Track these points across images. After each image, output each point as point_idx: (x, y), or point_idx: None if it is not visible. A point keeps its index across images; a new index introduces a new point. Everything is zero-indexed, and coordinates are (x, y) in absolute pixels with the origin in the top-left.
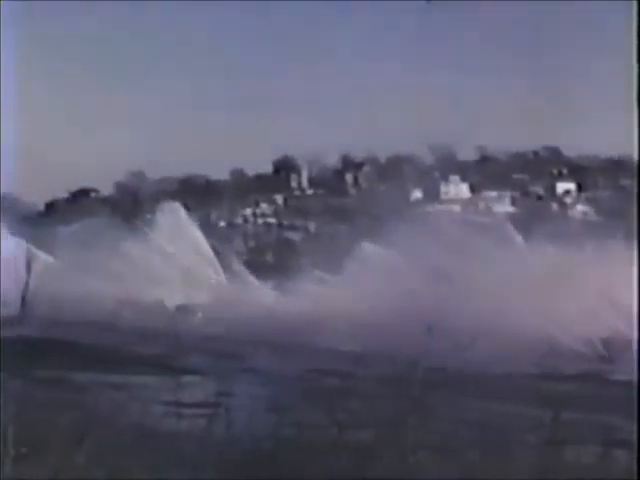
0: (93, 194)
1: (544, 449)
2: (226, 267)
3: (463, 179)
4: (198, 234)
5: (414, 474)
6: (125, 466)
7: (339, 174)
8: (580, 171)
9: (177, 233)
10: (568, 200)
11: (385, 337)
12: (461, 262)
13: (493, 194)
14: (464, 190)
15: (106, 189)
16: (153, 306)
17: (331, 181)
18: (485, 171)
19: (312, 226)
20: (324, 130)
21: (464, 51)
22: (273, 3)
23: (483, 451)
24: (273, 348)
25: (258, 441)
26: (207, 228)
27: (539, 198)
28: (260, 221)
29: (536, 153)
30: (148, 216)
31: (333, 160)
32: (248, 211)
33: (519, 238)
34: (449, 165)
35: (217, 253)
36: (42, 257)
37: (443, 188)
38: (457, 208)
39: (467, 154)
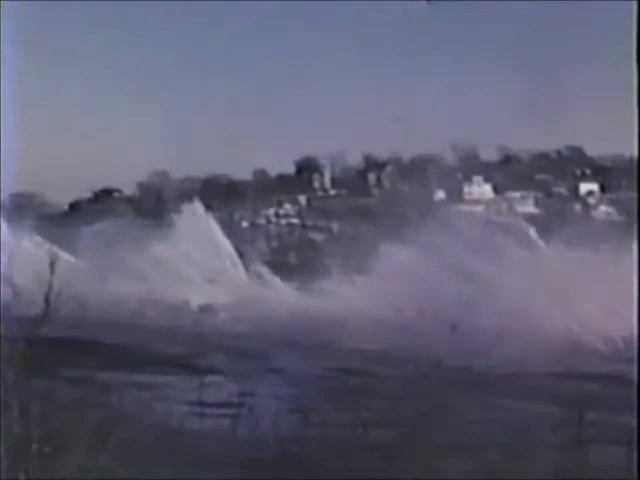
0: (116, 194)
1: (568, 450)
2: (249, 267)
3: (486, 180)
4: (221, 234)
5: (438, 474)
6: (149, 466)
7: (362, 174)
8: (603, 171)
9: (200, 233)
10: (591, 201)
11: (409, 337)
12: (484, 262)
13: (516, 195)
14: (487, 191)
15: (129, 189)
16: (176, 306)
17: (354, 181)
18: (508, 172)
19: (335, 226)
20: (346, 130)
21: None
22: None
23: (506, 451)
24: (297, 348)
25: (282, 441)
26: (230, 228)
27: (563, 199)
28: (283, 221)
29: (559, 153)
30: (171, 216)
31: (356, 160)
32: (271, 211)
33: (542, 238)
34: (472, 165)
35: (240, 253)
36: (65, 257)
37: (466, 189)
38: (480, 209)
39: (489, 154)
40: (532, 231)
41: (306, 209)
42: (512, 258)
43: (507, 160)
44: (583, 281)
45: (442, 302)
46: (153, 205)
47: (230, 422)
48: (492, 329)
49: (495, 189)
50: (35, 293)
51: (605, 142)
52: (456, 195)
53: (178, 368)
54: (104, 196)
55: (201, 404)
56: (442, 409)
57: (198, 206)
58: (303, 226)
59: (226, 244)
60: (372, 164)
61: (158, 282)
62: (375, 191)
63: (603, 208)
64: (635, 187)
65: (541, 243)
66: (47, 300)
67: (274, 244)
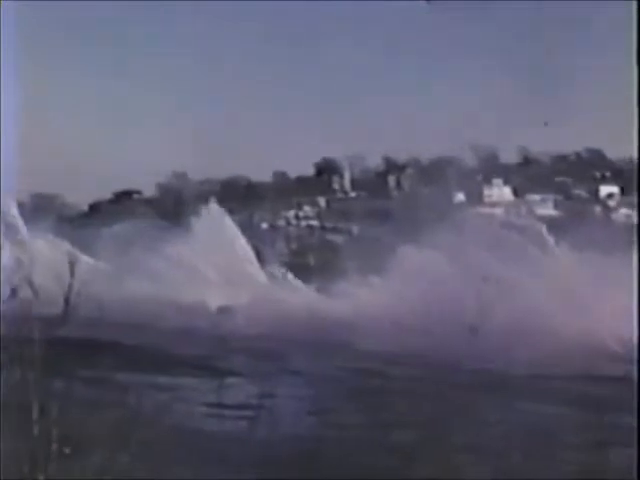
0: (136, 195)
1: (587, 451)
2: (268, 269)
3: (506, 182)
4: (240, 236)
5: (457, 475)
6: (168, 467)
7: (381, 176)
8: (623, 174)
9: (219, 234)
10: (611, 203)
11: (428, 339)
12: (503, 264)
13: (536, 197)
14: (507, 193)
15: (149, 190)
16: (195, 307)
17: (373, 183)
18: (528, 174)
19: (355, 228)
20: (365, 132)
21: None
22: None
23: (526, 452)
24: (316, 349)
25: (301, 442)
26: (249, 230)
27: (583, 201)
28: (303, 223)
29: (579, 155)
30: (190, 217)
31: (375, 162)
32: (290, 213)
33: (561, 241)
34: (492, 168)
35: (259, 255)
36: (85, 258)
37: (486, 191)
38: (500, 211)
39: (509, 156)
40: (551, 234)
41: (325, 211)
42: (531, 260)
43: (527, 162)
44: (602, 283)
45: (461, 304)
46: (172, 207)
47: (249, 423)
48: (511, 331)
49: (515, 191)
50: (55, 294)
51: (626, 144)
52: (476, 197)
53: (197, 369)
54: (124, 197)
55: (220, 406)
56: (461, 411)
57: (217, 208)
58: (322, 228)
59: (245, 246)
60: (392, 166)
61: (177, 283)
62: (395, 193)
63: (623, 211)
64: (636, 187)
65: (560, 245)
66: (67, 301)
67: (293, 246)
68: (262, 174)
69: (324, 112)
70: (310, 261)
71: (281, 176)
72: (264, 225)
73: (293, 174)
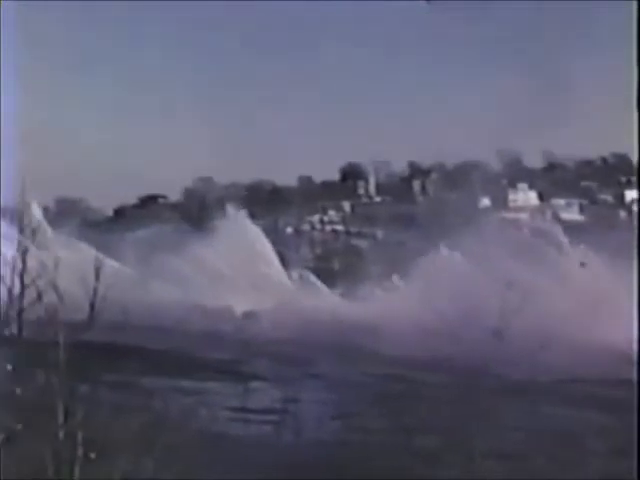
0: (161, 200)
1: (611, 456)
2: (293, 273)
3: (531, 186)
4: (265, 240)
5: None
6: (193, 471)
7: (406, 181)
8: None
9: (244, 239)
10: (636, 208)
11: (453, 343)
12: (528, 269)
13: (561, 202)
14: (532, 198)
15: (174, 195)
16: (220, 312)
17: (398, 188)
18: (553, 178)
19: (380, 233)
20: (390, 136)
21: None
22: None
23: (550, 457)
24: (340, 354)
25: (325, 446)
26: (274, 234)
27: (608, 206)
28: (327, 228)
29: (604, 160)
30: (216, 222)
31: (400, 167)
32: (315, 218)
33: (585, 246)
34: (517, 172)
35: (284, 259)
36: (111, 263)
37: (511, 196)
38: (525, 216)
39: (534, 161)
40: (575, 238)
41: (350, 216)
42: (555, 265)
43: (552, 167)
44: (627, 289)
45: (486, 309)
46: (197, 211)
47: (274, 428)
48: (535, 336)
49: (540, 196)
50: (79, 298)
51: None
52: (501, 202)
53: (222, 374)
54: (149, 202)
55: (245, 410)
56: (486, 415)
57: (242, 212)
58: (347, 233)
59: (270, 250)
60: (417, 171)
61: (202, 288)
62: (420, 198)
63: None
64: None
65: (584, 250)
66: (92, 306)
67: (318, 250)
68: (287, 178)
69: (349, 117)
70: (335, 266)
71: (306, 181)
72: (289, 230)
73: (318, 179)
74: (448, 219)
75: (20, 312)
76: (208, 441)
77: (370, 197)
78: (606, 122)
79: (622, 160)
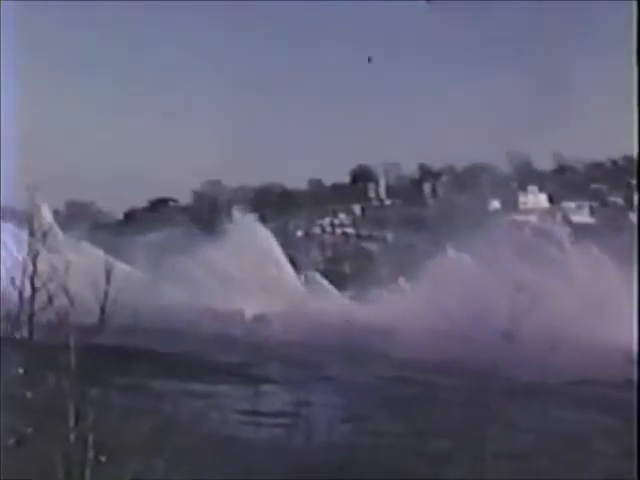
0: (172, 203)
1: (621, 458)
2: (303, 276)
3: (541, 189)
4: (275, 243)
5: None
6: (204, 474)
7: (417, 184)
8: None
9: (254, 242)
10: None
11: (463, 346)
12: (538, 272)
13: (572, 204)
14: (543, 200)
15: (184, 198)
16: (231, 315)
17: (409, 191)
18: (563, 181)
19: (390, 236)
20: (400, 139)
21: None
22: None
23: (560, 459)
24: (351, 357)
25: (336, 449)
26: (284, 237)
27: (618, 208)
28: (338, 231)
29: (614, 162)
30: (226, 225)
31: (410, 169)
32: (326, 221)
33: (595, 248)
34: (527, 175)
35: (294, 262)
36: (121, 266)
37: (521, 198)
38: (535, 218)
39: (544, 163)
40: (585, 240)
41: (361, 218)
42: (566, 267)
43: (562, 169)
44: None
45: (496, 312)
46: (207, 214)
47: (285, 431)
48: (546, 338)
49: (550, 198)
50: (90, 301)
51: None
52: (511, 204)
53: (232, 377)
54: (160, 205)
55: (256, 413)
56: (497, 418)
57: (252, 215)
58: (358, 236)
59: (280, 253)
60: (427, 173)
61: (212, 291)
62: (430, 201)
63: None
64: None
65: (594, 252)
66: (103, 309)
67: (328, 253)
68: (297, 181)
69: (360, 120)
70: (345, 269)
71: (316, 183)
72: (299, 233)
73: (328, 181)
74: (458, 222)
75: (31, 315)
76: (219, 444)
77: (380, 200)
78: (606, 122)
79: (632, 162)
